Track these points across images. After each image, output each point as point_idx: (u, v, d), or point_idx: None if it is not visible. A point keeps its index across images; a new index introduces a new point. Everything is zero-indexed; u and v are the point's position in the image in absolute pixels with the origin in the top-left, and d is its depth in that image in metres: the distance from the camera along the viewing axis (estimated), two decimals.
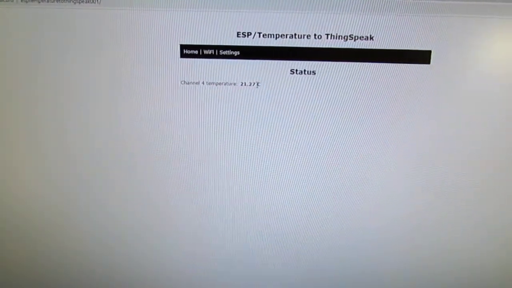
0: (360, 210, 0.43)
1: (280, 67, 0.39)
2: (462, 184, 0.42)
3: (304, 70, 0.39)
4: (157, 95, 0.40)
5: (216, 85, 0.40)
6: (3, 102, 0.41)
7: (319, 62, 0.39)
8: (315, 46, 0.38)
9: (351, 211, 0.43)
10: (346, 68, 0.39)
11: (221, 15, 0.38)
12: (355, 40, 0.38)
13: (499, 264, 0.45)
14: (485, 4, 0.37)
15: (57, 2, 0.38)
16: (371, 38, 0.38)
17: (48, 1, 0.38)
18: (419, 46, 0.38)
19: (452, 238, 0.44)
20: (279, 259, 0.45)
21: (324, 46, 0.38)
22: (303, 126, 0.40)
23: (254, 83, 0.39)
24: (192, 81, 0.40)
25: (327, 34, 0.38)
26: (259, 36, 0.38)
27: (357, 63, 0.39)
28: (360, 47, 0.38)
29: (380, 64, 0.39)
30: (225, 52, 0.39)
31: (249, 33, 0.38)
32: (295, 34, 0.38)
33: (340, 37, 0.38)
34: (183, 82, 0.40)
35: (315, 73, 0.39)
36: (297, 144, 0.41)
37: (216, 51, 0.39)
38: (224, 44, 0.38)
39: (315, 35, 0.38)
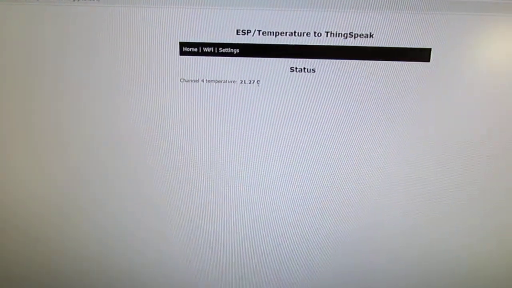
0: (361, 207, 0.43)
1: (279, 65, 0.39)
2: (461, 183, 0.42)
3: (304, 68, 0.39)
4: (156, 93, 0.40)
5: (216, 83, 0.39)
6: (1, 101, 0.41)
7: (319, 60, 0.39)
8: (315, 43, 0.38)
9: (350, 209, 0.43)
10: (346, 66, 0.39)
11: (221, 12, 0.38)
12: (355, 37, 0.38)
13: (496, 263, 0.45)
14: (485, 2, 0.37)
15: None
16: (371, 36, 0.38)
17: None
18: (419, 44, 0.38)
19: (449, 237, 0.44)
20: (276, 257, 0.45)
21: (324, 44, 0.38)
22: (303, 124, 0.40)
23: (253, 81, 0.39)
24: (192, 79, 0.39)
25: (327, 32, 0.38)
26: (259, 34, 0.38)
27: (357, 61, 0.39)
28: (360, 45, 0.38)
29: (380, 62, 0.39)
30: (224, 50, 0.39)
31: (249, 31, 0.38)
32: (295, 32, 0.38)
33: (340, 34, 0.38)
34: (182, 80, 0.39)
35: (315, 71, 0.39)
36: (297, 142, 0.41)
37: (216, 49, 0.39)
38: (224, 41, 0.38)
39: (315, 32, 0.38)
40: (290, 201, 0.43)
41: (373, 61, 0.39)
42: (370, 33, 0.38)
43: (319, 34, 0.38)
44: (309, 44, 0.38)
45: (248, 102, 0.40)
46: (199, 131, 0.41)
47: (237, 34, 0.38)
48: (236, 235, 0.44)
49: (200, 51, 0.39)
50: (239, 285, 0.47)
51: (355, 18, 0.38)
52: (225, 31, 0.38)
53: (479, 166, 0.41)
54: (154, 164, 0.42)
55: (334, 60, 0.39)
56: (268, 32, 0.38)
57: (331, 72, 0.39)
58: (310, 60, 0.39)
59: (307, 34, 0.38)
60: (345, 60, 0.39)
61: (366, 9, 0.37)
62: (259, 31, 0.38)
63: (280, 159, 0.42)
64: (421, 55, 0.38)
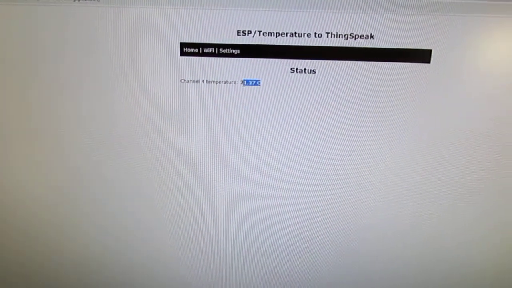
0: (360, 207, 0.43)
1: (280, 65, 0.39)
2: (461, 182, 0.42)
3: (305, 69, 0.39)
4: (157, 94, 0.40)
5: (216, 83, 0.39)
6: (1, 101, 0.41)
7: (320, 61, 0.39)
8: (316, 44, 0.38)
9: (351, 208, 0.43)
10: (347, 67, 0.39)
11: (221, 13, 0.38)
12: (355, 38, 0.38)
13: (496, 262, 0.45)
14: (486, 3, 0.37)
15: None
16: (372, 37, 0.38)
17: None
18: (420, 45, 0.38)
19: (450, 236, 0.44)
20: (275, 257, 0.45)
21: (324, 45, 0.38)
22: (303, 124, 0.40)
23: (254, 82, 0.39)
24: (192, 79, 0.39)
25: (328, 33, 0.38)
26: (259, 35, 0.38)
27: (358, 62, 0.39)
28: (361, 46, 0.38)
29: (381, 63, 0.39)
30: (225, 51, 0.39)
31: (249, 32, 0.38)
32: (295, 33, 0.38)
33: (341, 35, 0.38)
34: (183, 81, 0.39)
35: (315, 72, 0.39)
36: (297, 143, 0.41)
37: (216, 50, 0.38)
38: (224, 42, 0.38)
39: (315, 33, 0.38)
40: (290, 200, 0.43)
41: (374, 62, 0.39)
42: (371, 34, 0.38)
43: (320, 35, 0.38)
44: (309, 45, 0.38)
45: (249, 103, 0.40)
46: (200, 132, 0.41)
47: (237, 34, 0.38)
48: (237, 236, 0.45)
49: (200, 51, 0.39)
50: (239, 285, 0.47)
51: (356, 19, 0.38)
52: (225, 31, 0.38)
53: (479, 166, 0.41)
54: (154, 165, 0.42)
55: (335, 61, 0.39)
56: (268, 32, 0.38)
57: (331, 73, 0.39)
58: (310, 61, 0.39)
59: (307, 35, 0.38)
60: (345, 61, 0.39)
61: (367, 10, 0.37)
62: (259, 31, 0.38)
63: (280, 160, 0.42)
64: (422, 56, 0.38)
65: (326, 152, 0.41)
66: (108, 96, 0.40)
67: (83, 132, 0.41)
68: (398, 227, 0.44)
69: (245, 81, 0.39)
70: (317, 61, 0.39)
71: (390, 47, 0.38)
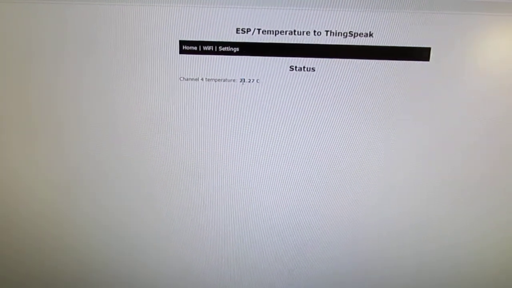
0: (359, 206, 0.43)
1: (279, 63, 0.39)
2: (461, 181, 0.42)
3: (304, 67, 0.39)
4: (156, 92, 0.40)
5: (215, 81, 0.39)
6: (0, 100, 0.41)
7: (319, 59, 0.39)
8: (315, 42, 0.38)
9: (350, 207, 0.43)
10: (346, 65, 0.39)
11: (221, 11, 0.38)
12: (354, 36, 0.38)
13: (497, 262, 0.45)
14: (485, 1, 0.37)
15: None
16: (371, 35, 0.38)
17: None
18: (419, 43, 0.38)
19: (451, 235, 0.44)
20: (275, 256, 0.45)
21: (323, 43, 0.38)
22: (302, 122, 0.40)
23: (253, 80, 0.39)
24: (191, 77, 0.39)
25: (327, 31, 0.38)
26: (259, 33, 0.38)
27: (357, 60, 0.39)
28: (360, 44, 0.38)
29: (380, 61, 0.39)
30: (224, 48, 0.39)
31: (249, 29, 0.38)
32: (294, 31, 0.38)
33: (340, 33, 0.38)
34: (182, 79, 0.39)
35: (314, 70, 0.39)
36: (296, 141, 0.41)
37: (216, 47, 0.39)
38: (224, 40, 0.38)
39: (314, 31, 0.38)
40: (288, 199, 0.43)
41: (373, 60, 0.39)
42: (370, 32, 0.38)
43: (319, 33, 0.38)
44: (308, 43, 0.38)
45: (248, 100, 0.40)
46: (199, 130, 0.41)
47: (237, 32, 0.38)
48: (236, 234, 0.45)
49: (200, 49, 0.39)
50: (238, 286, 0.47)
51: (355, 17, 0.38)
52: (225, 29, 0.38)
53: (479, 166, 0.41)
54: (154, 163, 0.42)
55: (334, 59, 0.39)
56: (268, 30, 0.38)
57: (330, 71, 0.39)
58: (309, 59, 0.39)
59: (306, 33, 0.38)
60: (344, 59, 0.39)
61: (366, 8, 0.37)
62: (259, 29, 0.38)
63: (279, 158, 0.42)
64: (421, 54, 0.38)
65: (324, 150, 0.41)
66: (107, 94, 0.40)
67: (83, 130, 0.41)
68: (398, 227, 0.44)
69: (244, 79, 0.39)
70: (316, 59, 0.39)
71: (389, 45, 0.38)
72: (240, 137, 0.41)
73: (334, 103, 0.40)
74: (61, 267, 0.46)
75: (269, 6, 0.38)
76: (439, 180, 0.42)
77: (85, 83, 0.40)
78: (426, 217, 0.43)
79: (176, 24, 0.38)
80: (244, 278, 0.47)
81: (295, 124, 0.40)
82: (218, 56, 0.39)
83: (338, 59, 0.39)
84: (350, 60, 0.39)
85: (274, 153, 0.41)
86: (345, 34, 0.38)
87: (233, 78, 0.39)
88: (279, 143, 0.41)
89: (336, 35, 0.38)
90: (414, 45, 0.38)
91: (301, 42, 0.38)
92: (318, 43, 0.38)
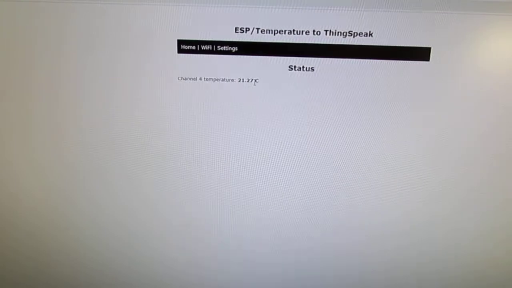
0: (358, 207, 0.43)
1: (278, 63, 0.39)
2: (460, 181, 0.42)
3: (303, 67, 0.39)
4: (154, 91, 0.40)
5: (214, 81, 0.39)
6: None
7: (318, 59, 0.39)
8: (314, 42, 0.38)
9: (349, 209, 0.43)
10: (345, 65, 0.39)
11: (219, 10, 0.37)
12: (354, 36, 0.38)
13: (497, 262, 0.45)
14: (485, 1, 0.37)
15: None
16: (371, 34, 0.38)
17: None
18: (419, 43, 0.38)
19: (450, 236, 0.44)
20: (275, 256, 0.45)
21: (323, 43, 0.38)
22: (301, 122, 0.40)
23: (252, 79, 0.39)
24: (190, 76, 0.39)
25: (326, 30, 0.38)
26: (257, 32, 0.38)
27: (356, 59, 0.38)
28: (360, 44, 0.38)
29: (379, 60, 0.38)
30: (223, 48, 0.38)
31: (247, 29, 0.38)
32: (293, 30, 0.38)
33: (339, 33, 0.38)
34: (180, 78, 0.39)
35: (313, 70, 0.39)
36: (295, 141, 0.41)
37: (214, 47, 0.38)
38: (222, 39, 0.38)
39: (314, 31, 0.38)
40: (288, 199, 0.43)
41: (373, 60, 0.38)
42: (370, 31, 0.38)
43: (318, 33, 0.38)
44: (308, 42, 0.38)
45: (246, 100, 0.40)
46: (197, 129, 0.41)
47: (235, 32, 0.38)
48: (234, 235, 0.44)
49: (198, 49, 0.38)
50: (238, 286, 0.47)
51: (355, 17, 0.37)
52: (223, 29, 0.38)
53: (479, 166, 0.41)
54: (152, 162, 0.42)
55: (333, 59, 0.38)
56: (266, 30, 0.38)
57: (330, 71, 0.39)
58: (308, 58, 0.38)
59: (306, 33, 0.38)
60: (344, 59, 0.38)
61: (366, 8, 0.37)
62: (257, 29, 0.38)
63: (278, 158, 0.41)
64: (421, 54, 0.38)
65: (324, 150, 0.41)
66: (105, 94, 0.40)
67: (81, 129, 0.41)
68: (397, 227, 0.43)
69: (243, 79, 0.39)
70: (316, 58, 0.38)
71: (389, 45, 0.38)
72: (239, 136, 0.41)
73: (334, 103, 0.39)
74: (59, 268, 0.46)
75: (268, 5, 0.37)
76: (440, 180, 0.42)
77: (83, 82, 0.40)
78: (426, 217, 0.43)
79: (174, 24, 0.38)
80: (244, 278, 0.46)
81: (293, 124, 0.40)
82: (216, 55, 0.38)
83: (337, 59, 0.38)
84: (350, 60, 0.38)
85: (273, 152, 0.41)
86: (344, 34, 0.38)
87: (232, 78, 0.39)
88: (278, 142, 0.41)
89: (335, 34, 0.38)
90: (414, 45, 0.38)
91: (300, 42, 0.38)
92: (318, 42, 0.38)
